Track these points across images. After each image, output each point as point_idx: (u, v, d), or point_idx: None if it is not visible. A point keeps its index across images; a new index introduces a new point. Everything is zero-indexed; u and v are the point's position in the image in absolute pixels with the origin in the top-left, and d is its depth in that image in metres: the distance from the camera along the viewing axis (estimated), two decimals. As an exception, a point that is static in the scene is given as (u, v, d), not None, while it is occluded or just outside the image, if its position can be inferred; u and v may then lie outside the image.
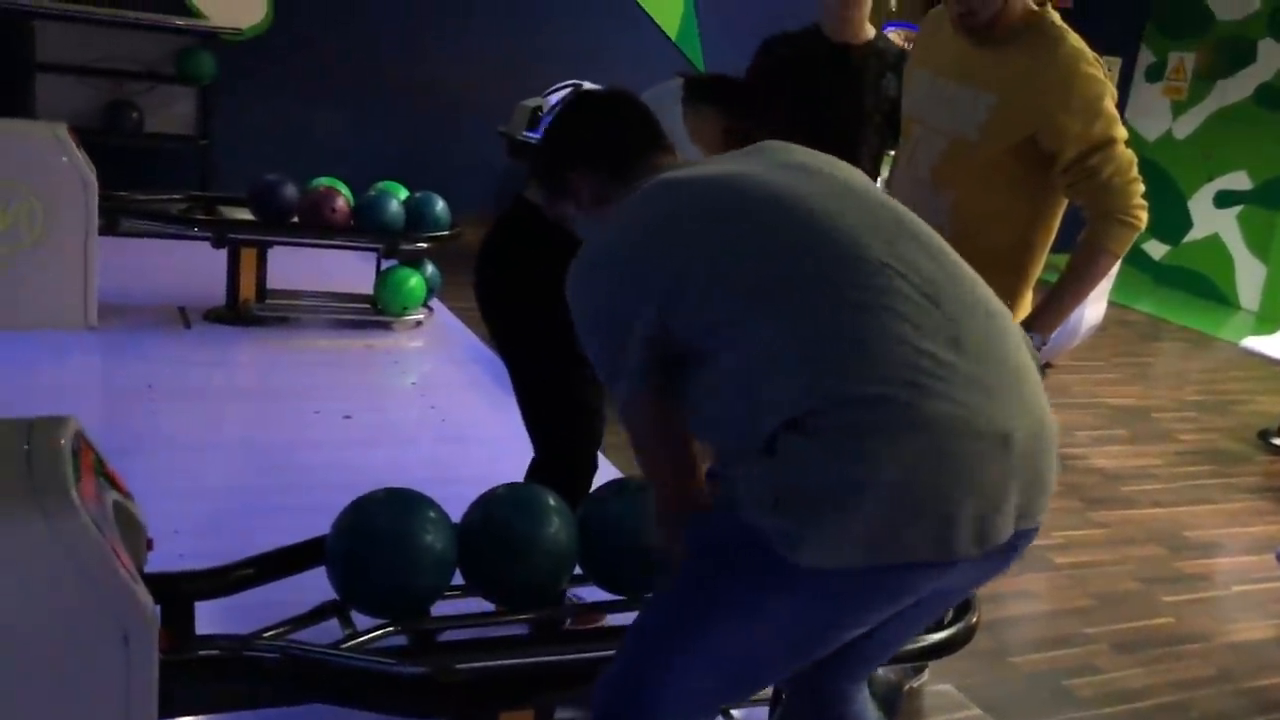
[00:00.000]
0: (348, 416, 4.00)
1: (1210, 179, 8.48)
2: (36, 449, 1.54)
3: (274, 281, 4.97)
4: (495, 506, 2.04)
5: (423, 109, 7.09)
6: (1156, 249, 8.86)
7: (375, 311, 5.06)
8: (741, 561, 1.42)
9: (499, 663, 1.87)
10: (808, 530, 1.33)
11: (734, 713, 2.28)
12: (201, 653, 1.70)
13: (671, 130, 1.83)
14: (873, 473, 1.30)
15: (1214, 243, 8.48)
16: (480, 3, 7.12)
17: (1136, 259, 8.74)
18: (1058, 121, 2.29)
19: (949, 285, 1.44)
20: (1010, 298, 2.32)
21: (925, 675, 2.66)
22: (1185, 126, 8.71)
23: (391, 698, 1.75)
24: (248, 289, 4.89)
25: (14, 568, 1.44)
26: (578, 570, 2.10)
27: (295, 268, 5.18)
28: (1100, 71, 2.33)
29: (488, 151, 6.83)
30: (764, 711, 2.09)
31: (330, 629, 1.94)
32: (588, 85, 6.26)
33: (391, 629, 1.94)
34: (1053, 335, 2.42)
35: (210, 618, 1.92)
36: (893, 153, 2.84)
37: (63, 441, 1.58)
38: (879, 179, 3.14)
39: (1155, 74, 8.86)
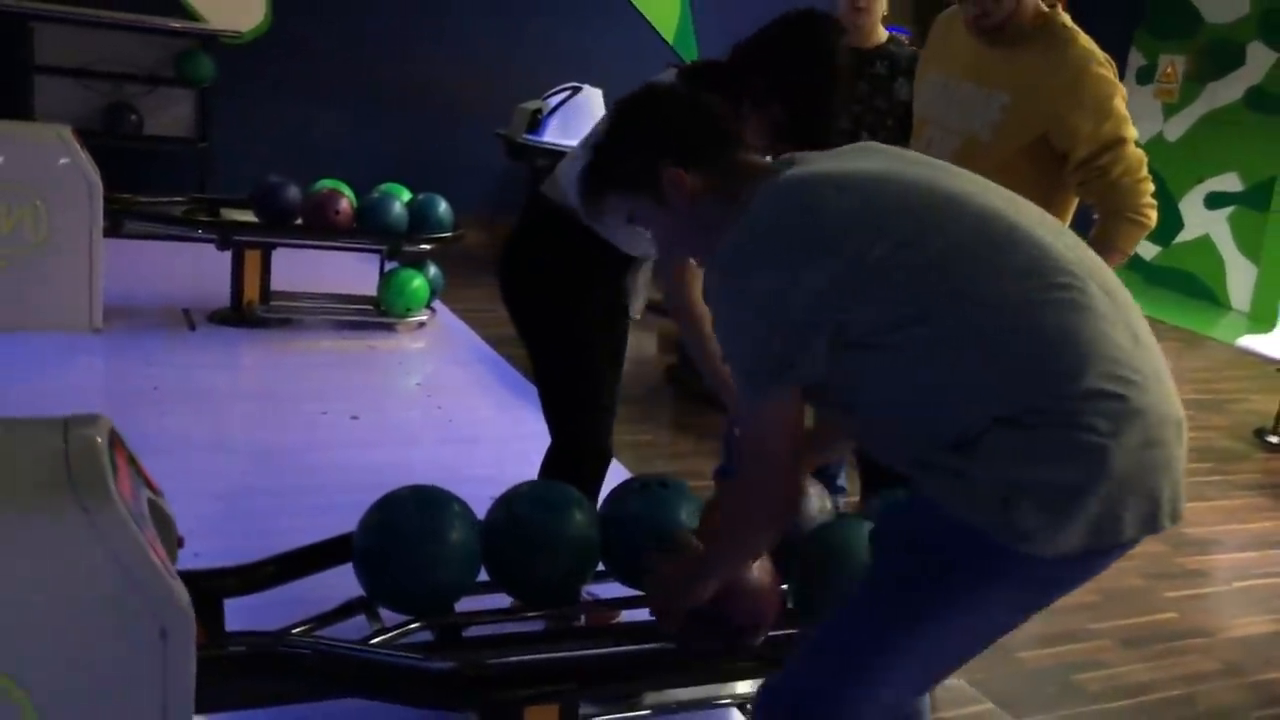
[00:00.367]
0: (354, 417, 4.02)
1: (1201, 180, 8.55)
2: (74, 447, 1.56)
3: (278, 283, 4.99)
4: (519, 504, 2.06)
5: (422, 111, 7.10)
6: (1148, 250, 8.91)
7: (379, 313, 5.07)
8: (962, 560, 1.42)
9: (526, 658, 1.88)
10: (1043, 524, 1.36)
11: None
12: (233, 648, 1.71)
13: None
14: (1105, 463, 1.35)
15: (1205, 244, 8.54)
16: (479, 6, 7.14)
17: (1129, 260, 8.78)
18: (1069, 121, 2.33)
19: (1104, 275, 1.48)
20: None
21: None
22: (1176, 128, 8.78)
23: (421, 692, 1.77)
24: (252, 291, 4.90)
25: (55, 563, 1.45)
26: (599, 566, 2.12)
27: (299, 269, 5.19)
28: (1110, 72, 2.36)
29: (487, 154, 6.85)
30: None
31: (357, 625, 1.96)
32: (588, 88, 6.29)
33: (417, 625, 1.96)
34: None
35: (238, 615, 1.93)
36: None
37: (99, 439, 1.59)
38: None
39: (1146, 76, 8.92)
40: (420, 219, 4.95)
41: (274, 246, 4.89)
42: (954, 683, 2.69)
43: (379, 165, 6.35)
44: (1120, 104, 2.35)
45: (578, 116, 6.12)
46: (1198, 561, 3.74)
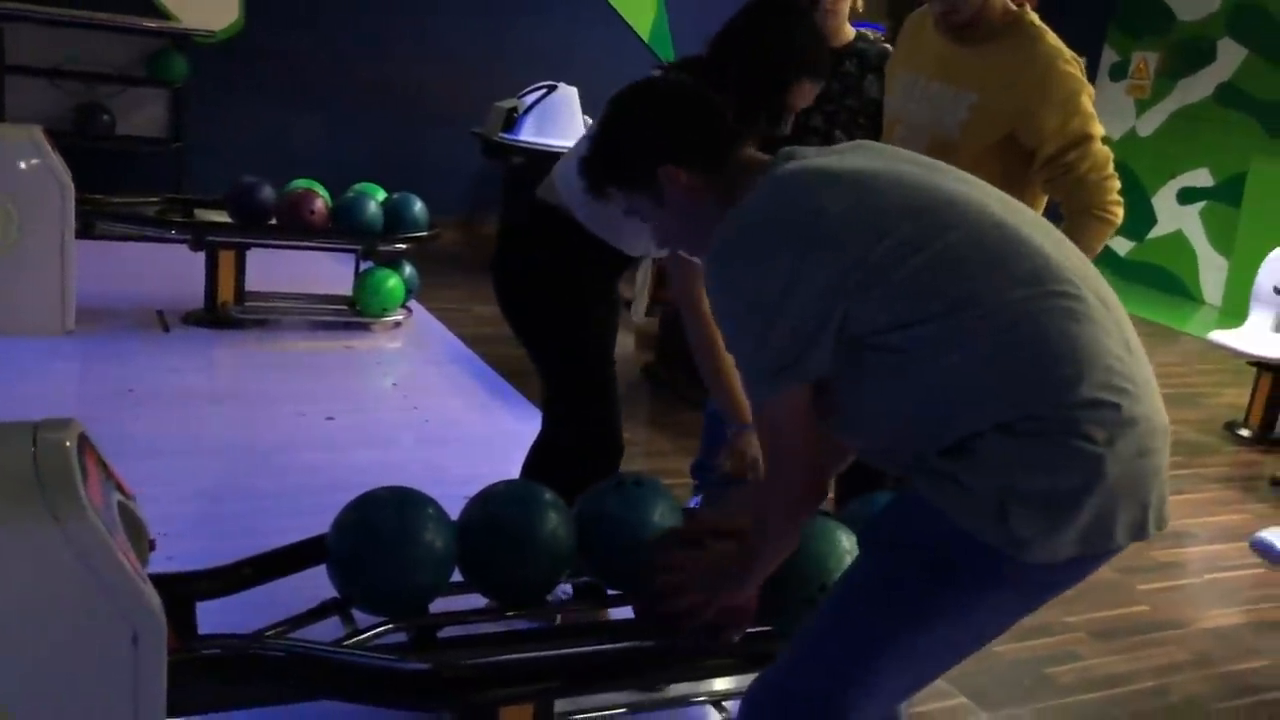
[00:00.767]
0: (330, 418, 4.01)
1: (1173, 176, 8.62)
2: (43, 451, 1.55)
3: (253, 284, 4.97)
4: (494, 504, 2.06)
5: (397, 111, 7.09)
6: (1122, 245, 8.99)
7: (354, 313, 5.07)
8: (960, 566, 1.42)
9: (500, 658, 1.88)
10: (1038, 531, 1.37)
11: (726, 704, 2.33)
12: (206, 652, 1.71)
13: None
14: (1101, 472, 1.37)
15: (1178, 239, 8.62)
16: (454, 6, 7.13)
17: (1102, 255, 8.85)
18: (1036, 118, 2.35)
19: (1099, 284, 1.49)
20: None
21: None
22: (1149, 124, 8.85)
23: (396, 693, 1.77)
24: (226, 291, 4.88)
25: (24, 569, 1.44)
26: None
27: (274, 270, 5.18)
28: (1078, 70, 2.39)
29: (462, 154, 6.85)
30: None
31: (332, 627, 1.95)
32: (563, 86, 6.29)
33: (391, 626, 1.96)
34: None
35: (212, 618, 1.93)
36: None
37: (68, 443, 1.59)
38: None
39: (1119, 73, 9.00)
40: (395, 219, 4.94)
41: (248, 247, 4.88)
42: (928, 677, 2.72)
43: (354, 165, 6.33)
44: (1087, 101, 2.37)
45: (553, 115, 6.12)
46: (1170, 554, 3.78)
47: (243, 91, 6.67)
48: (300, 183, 4.97)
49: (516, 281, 2.54)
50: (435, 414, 4.23)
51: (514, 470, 2.68)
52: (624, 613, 2.19)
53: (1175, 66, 8.65)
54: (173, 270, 5.16)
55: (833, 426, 1.59)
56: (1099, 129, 2.39)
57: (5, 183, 4.24)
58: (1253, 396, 5.22)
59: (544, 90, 6.29)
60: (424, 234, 5.00)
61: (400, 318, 5.11)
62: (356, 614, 1.98)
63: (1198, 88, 8.49)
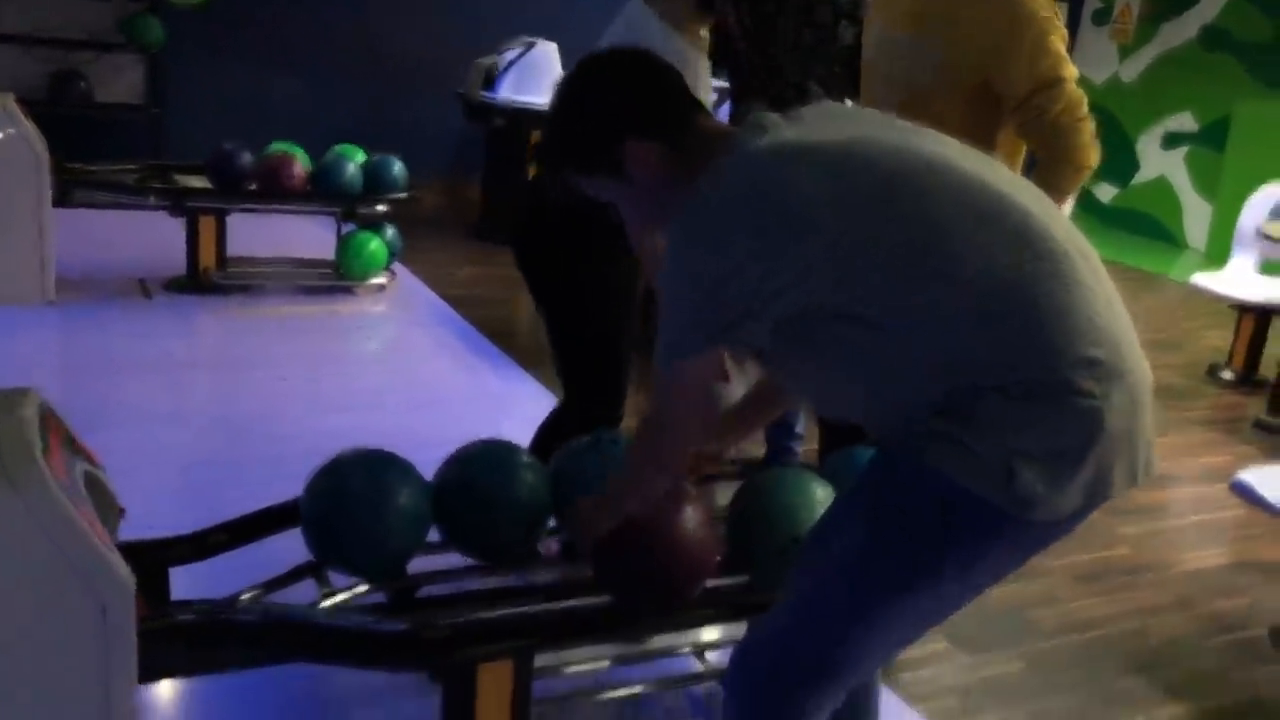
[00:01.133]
0: (312, 383, 4.00)
1: (1157, 121, 8.58)
2: (1, 423, 1.54)
3: (234, 249, 4.95)
4: (468, 464, 2.07)
5: (376, 72, 7.01)
6: (1105, 192, 8.97)
7: (337, 276, 5.04)
8: (959, 525, 1.42)
9: (478, 616, 1.90)
10: (1045, 490, 1.38)
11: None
12: (180, 618, 1.71)
13: (662, 52, 1.67)
14: (1101, 425, 1.38)
15: (1161, 184, 8.60)
16: (430, -39, 7.04)
17: (1086, 202, 8.85)
18: (1005, 62, 2.33)
19: (1080, 240, 1.48)
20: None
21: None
22: (1132, 69, 8.79)
23: (373, 654, 1.78)
24: (208, 258, 4.85)
25: (-12, 542, 1.44)
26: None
27: (255, 235, 5.15)
28: (1049, 12, 2.36)
29: (444, 115, 6.79)
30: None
31: (307, 590, 1.96)
32: (542, 43, 6.23)
33: (368, 587, 1.97)
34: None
35: (187, 583, 1.93)
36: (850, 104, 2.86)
37: (28, 413, 1.58)
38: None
39: (1102, 17, 8.92)
40: (375, 181, 4.91)
41: (228, 212, 4.84)
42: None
43: (334, 128, 6.26)
44: (1058, 42, 2.34)
45: (532, 72, 6.07)
46: (1151, 497, 3.80)
47: (220, 55, 6.59)
48: (278, 146, 4.93)
49: (548, 246, 2.52)
50: (420, 377, 4.23)
51: (500, 432, 2.68)
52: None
53: (1158, 10, 8.57)
54: (154, 238, 5.13)
55: (804, 397, 1.60)
56: (1071, 70, 2.36)
57: (-22, 153, 4.20)
58: (1235, 339, 5.24)
59: (523, 47, 6.23)
60: (404, 195, 4.97)
61: (383, 281, 5.09)
62: (332, 576, 1.99)
63: (1181, 31, 8.43)
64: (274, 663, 1.72)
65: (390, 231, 5.10)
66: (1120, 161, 8.71)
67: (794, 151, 1.44)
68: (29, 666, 1.48)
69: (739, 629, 2.03)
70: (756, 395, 1.91)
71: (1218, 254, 7.86)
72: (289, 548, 2.01)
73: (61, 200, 4.55)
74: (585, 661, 2.18)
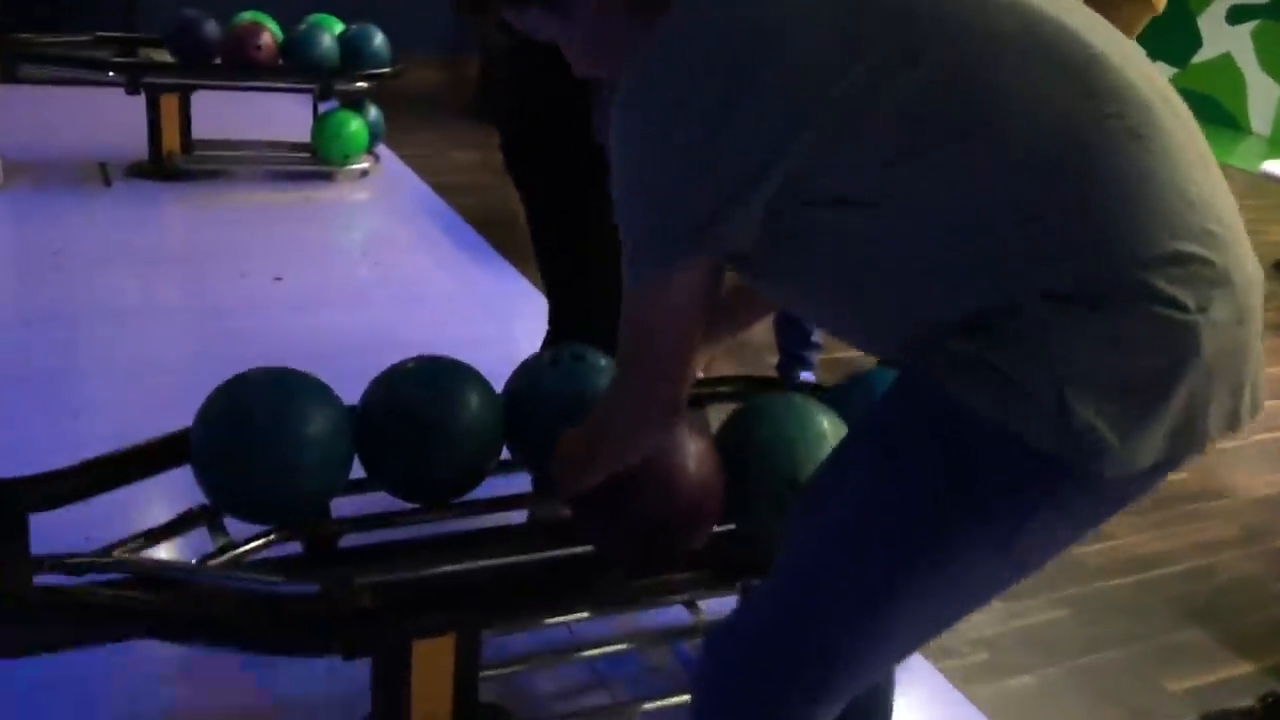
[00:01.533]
0: (280, 279, 3.63)
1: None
2: None
3: (201, 131, 4.56)
4: (399, 384, 1.69)
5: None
6: (1163, 72, 8.34)
7: (315, 161, 4.65)
8: (999, 484, 1.04)
9: (413, 575, 1.54)
10: (1114, 433, 0.98)
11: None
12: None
13: None
14: (1195, 347, 0.99)
15: (1225, 63, 7.97)
16: None
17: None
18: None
19: (1170, 93, 1.08)
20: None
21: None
22: (1196, -68, 8.10)
23: (266, 631, 1.42)
24: (172, 140, 4.47)
25: None
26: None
27: (223, 115, 4.76)
28: None
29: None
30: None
31: (199, 541, 1.61)
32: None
33: (273, 536, 1.61)
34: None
35: (49, 534, 1.58)
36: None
37: None
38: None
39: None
40: (353, 54, 4.47)
41: (192, 89, 4.43)
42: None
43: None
44: None
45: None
46: (1213, 412, 3.39)
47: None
48: (246, 15, 4.48)
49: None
50: (403, 272, 3.85)
51: (489, 335, 2.31)
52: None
53: None
54: (114, 119, 4.72)
55: (790, 307, 1.20)
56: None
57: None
58: (1306, 233, 4.75)
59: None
60: (386, 70, 4.52)
61: (365, 166, 4.69)
62: (231, 524, 1.63)
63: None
64: (125, 638, 1.37)
65: (373, 111, 4.68)
66: (1179, 38, 8.07)
67: None
68: None
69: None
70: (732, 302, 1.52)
71: (1283, 139, 7.34)
72: (178, 489, 1.65)
73: (6, 75, 4.15)
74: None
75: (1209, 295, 0.98)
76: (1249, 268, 1.04)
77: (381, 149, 4.87)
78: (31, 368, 2.87)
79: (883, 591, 1.09)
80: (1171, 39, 7.91)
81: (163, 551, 1.57)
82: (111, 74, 4.35)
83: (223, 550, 1.58)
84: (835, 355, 3.19)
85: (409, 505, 1.72)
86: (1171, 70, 8.30)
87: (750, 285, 1.27)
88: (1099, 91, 0.99)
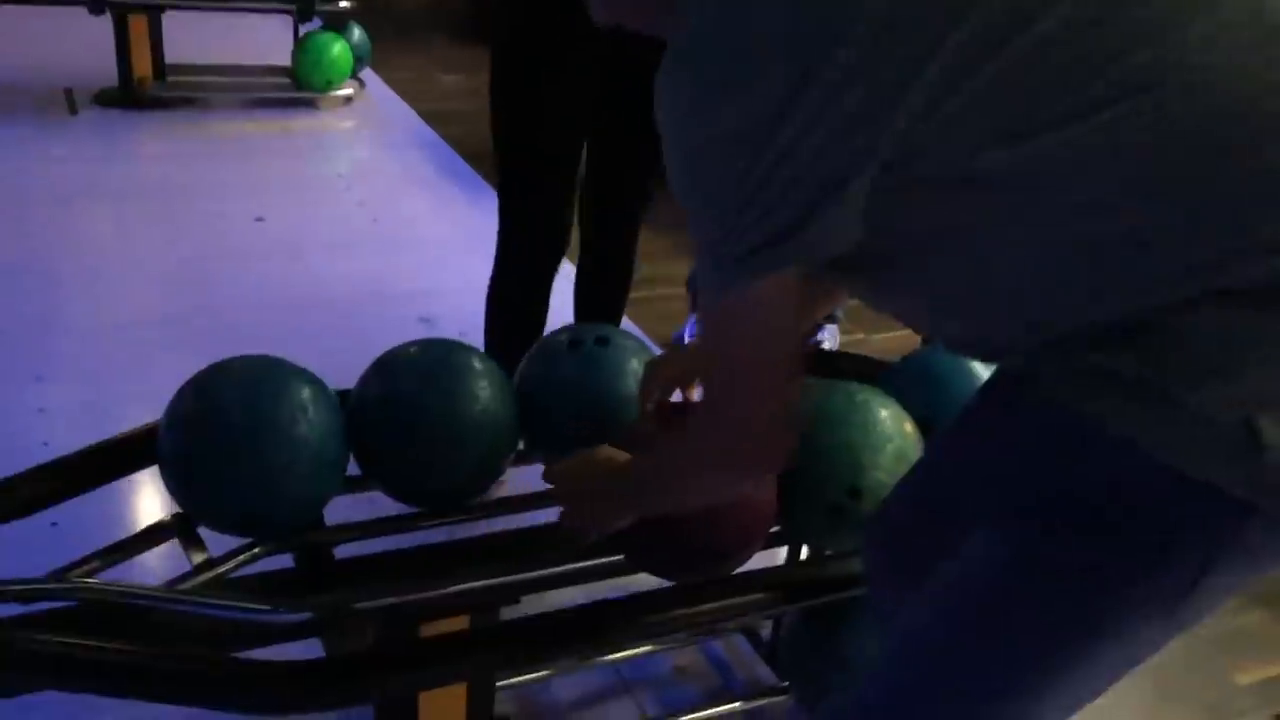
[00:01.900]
0: (260, 219, 3.38)
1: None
2: None
3: (174, 55, 4.27)
4: (400, 375, 1.47)
5: None
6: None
7: (295, 87, 4.38)
8: (1174, 533, 0.84)
9: (419, 597, 1.35)
10: None
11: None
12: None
13: None
14: None
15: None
16: None
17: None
18: None
19: None
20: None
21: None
22: None
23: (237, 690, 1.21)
24: (143, 65, 4.19)
25: None
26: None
27: (198, 38, 4.48)
28: None
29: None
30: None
31: (172, 558, 1.40)
32: None
33: (258, 550, 1.40)
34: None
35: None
36: None
37: None
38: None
39: None
40: (335, -30, 4.16)
41: (160, 8, 4.13)
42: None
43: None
44: None
45: None
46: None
47: None
48: (219, -72, 4.16)
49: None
50: (389, 210, 3.60)
51: (482, 279, 2.10)
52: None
53: None
54: (81, 41, 4.42)
55: (883, 308, 0.99)
56: None
57: None
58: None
59: None
60: (371, -11, 4.22)
61: (349, 92, 4.42)
62: (208, 535, 1.42)
63: None
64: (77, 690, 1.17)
65: (356, 33, 4.41)
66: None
67: None
68: None
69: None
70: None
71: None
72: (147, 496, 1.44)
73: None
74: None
75: None
76: None
77: (366, 73, 4.60)
78: (-2, 320, 2.65)
79: (1032, 671, 0.90)
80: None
81: (127, 571, 1.36)
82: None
83: (201, 570, 1.37)
84: (858, 336, 2.98)
85: (413, 509, 1.52)
86: None
87: (836, 282, 1.05)
88: None
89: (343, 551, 1.49)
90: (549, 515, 1.60)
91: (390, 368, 1.49)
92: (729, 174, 0.81)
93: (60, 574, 1.31)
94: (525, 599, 1.44)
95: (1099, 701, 0.94)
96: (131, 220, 3.34)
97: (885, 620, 1.27)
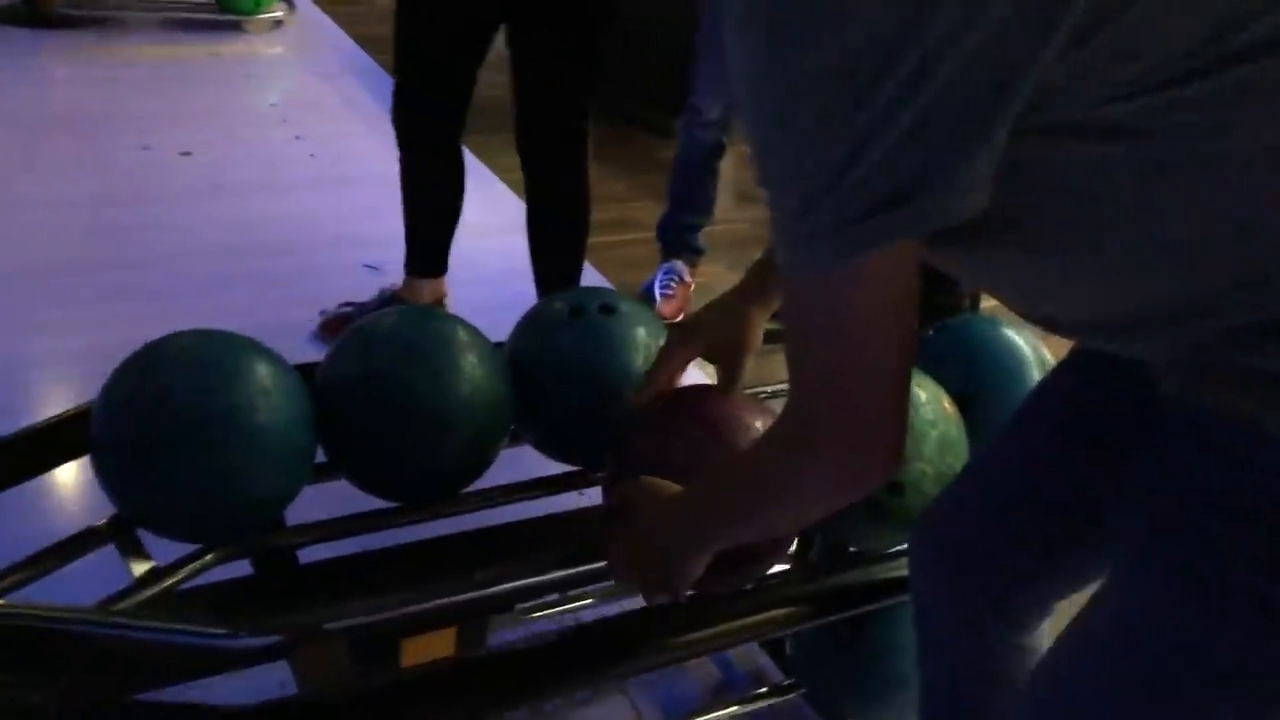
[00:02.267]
0: (186, 153, 3.10)
1: None
2: None
3: (83, -31, 3.93)
4: (373, 351, 1.27)
5: None
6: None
7: (219, 9, 4.10)
8: None
9: (399, 615, 1.16)
10: None
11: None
12: None
13: None
14: None
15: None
16: None
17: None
18: None
19: None
20: None
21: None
22: None
23: None
24: (48, -21, 3.82)
25: None
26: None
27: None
28: None
29: None
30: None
31: (109, 567, 1.19)
32: None
33: (211, 557, 1.21)
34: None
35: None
36: None
37: None
38: None
39: None
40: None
41: (67, -83, 3.77)
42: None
43: None
44: None
45: None
46: None
47: None
48: None
49: None
50: (330, 146, 3.35)
51: None
52: (585, 498, 1.45)
53: None
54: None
55: (999, 290, 0.82)
56: None
57: None
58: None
59: None
60: (301, -100, 3.90)
61: (280, 14, 4.17)
62: (150, 540, 1.21)
63: None
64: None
65: (287, -51, 4.06)
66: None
67: None
68: None
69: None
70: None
71: None
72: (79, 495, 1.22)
73: None
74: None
75: None
76: None
77: None
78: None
79: None
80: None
81: (53, 587, 1.15)
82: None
83: (143, 582, 1.17)
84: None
85: (390, 503, 1.33)
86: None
87: (944, 266, 0.87)
88: None
89: (309, 554, 1.30)
90: (545, 506, 1.43)
91: (365, 341, 1.28)
92: (833, 118, 0.62)
93: (-26, 593, 1.11)
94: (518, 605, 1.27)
95: None
96: (38, 154, 3.04)
97: (928, 630, 1.13)
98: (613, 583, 1.28)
